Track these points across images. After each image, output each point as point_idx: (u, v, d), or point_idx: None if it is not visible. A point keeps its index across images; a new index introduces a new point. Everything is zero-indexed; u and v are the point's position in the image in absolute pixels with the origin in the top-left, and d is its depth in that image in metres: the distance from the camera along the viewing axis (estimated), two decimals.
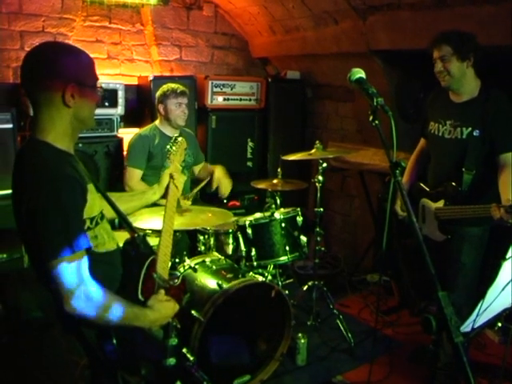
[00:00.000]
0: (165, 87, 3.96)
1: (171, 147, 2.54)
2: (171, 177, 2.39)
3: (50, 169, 1.74)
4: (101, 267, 1.85)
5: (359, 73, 1.89)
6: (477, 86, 2.98)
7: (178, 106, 3.92)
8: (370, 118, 1.76)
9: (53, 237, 1.68)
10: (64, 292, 1.67)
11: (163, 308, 1.93)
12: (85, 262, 1.74)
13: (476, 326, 1.68)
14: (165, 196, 2.38)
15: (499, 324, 1.81)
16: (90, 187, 1.87)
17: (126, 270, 1.98)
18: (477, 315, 1.64)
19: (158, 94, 4.00)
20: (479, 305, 1.65)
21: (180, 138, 2.61)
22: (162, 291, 1.96)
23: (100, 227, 1.90)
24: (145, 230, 2.91)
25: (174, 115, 3.93)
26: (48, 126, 1.82)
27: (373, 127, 1.73)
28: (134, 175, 3.88)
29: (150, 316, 1.87)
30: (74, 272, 1.69)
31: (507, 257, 1.61)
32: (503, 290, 1.67)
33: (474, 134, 2.92)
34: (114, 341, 1.83)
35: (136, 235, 2.05)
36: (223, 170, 4.03)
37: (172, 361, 2.01)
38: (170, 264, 2.07)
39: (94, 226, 1.86)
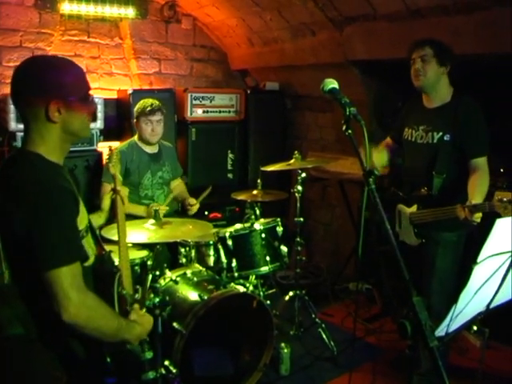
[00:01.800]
0: (139, 104, 3.97)
1: (109, 161, 2.52)
2: (114, 191, 2.34)
3: (44, 180, 1.72)
4: (85, 281, 1.85)
5: (332, 83, 1.91)
6: (449, 93, 3.05)
7: (147, 123, 3.92)
8: (343, 128, 1.77)
9: (52, 246, 1.66)
10: (63, 301, 1.65)
11: (145, 322, 1.95)
12: (81, 272, 1.74)
13: (450, 330, 1.70)
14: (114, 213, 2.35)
15: (475, 327, 1.82)
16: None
17: (96, 287, 1.95)
18: (450, 320, 1.66)
19: (134, 110, 4.03)
20: (452, 309, 1.67)
21: (114, 149, 2.62)
22: (137, 306, 1.96)
23: (85, 240, 1.89)
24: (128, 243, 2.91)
25: (144, 133, 3.94)
26: (38, 139, 1.80)
27: (346, 137, 1.75)
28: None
29: (138, 329, 1.89)
30: (73, 281, 1.67)
31: (478, 261, 1.64)
32: (475, 294, 1.70)
33: (445, 138, 2.99)
34: (108, 359, 1.82)
35: (104, 252, 2.04)
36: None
37: (152, 374, 2.01)
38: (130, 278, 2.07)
39: (81, 239, 1.85)
